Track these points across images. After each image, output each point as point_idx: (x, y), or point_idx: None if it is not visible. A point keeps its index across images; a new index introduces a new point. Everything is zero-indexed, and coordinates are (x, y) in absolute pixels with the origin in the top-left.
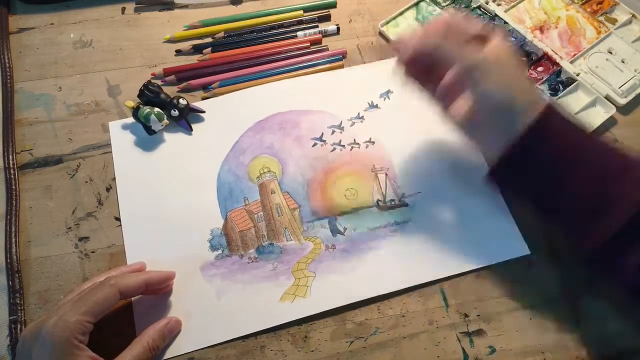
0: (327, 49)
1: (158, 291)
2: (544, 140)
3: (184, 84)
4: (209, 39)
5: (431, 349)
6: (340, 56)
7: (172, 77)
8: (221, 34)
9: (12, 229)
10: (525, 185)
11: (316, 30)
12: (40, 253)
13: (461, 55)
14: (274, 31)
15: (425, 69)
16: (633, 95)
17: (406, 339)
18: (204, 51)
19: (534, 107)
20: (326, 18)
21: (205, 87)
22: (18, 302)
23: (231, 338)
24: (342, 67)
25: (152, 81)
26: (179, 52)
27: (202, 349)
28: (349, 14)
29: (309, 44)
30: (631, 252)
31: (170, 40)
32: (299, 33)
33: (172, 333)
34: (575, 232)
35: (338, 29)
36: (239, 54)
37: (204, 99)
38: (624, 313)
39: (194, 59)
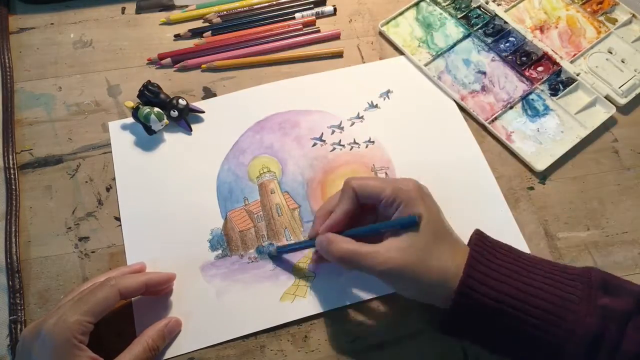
0: (319, 31)
1: (158, 292)
2: (470, 309)
3: (180, 64)
4: (207, 24)
5: (431, 349)
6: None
7: (169, 60)
8: (218, 19)
9: (12, 229)
10: (477, 339)
11: (312, 12)
12: (40, 253)
13: (368, 266)
14: (271, 13)
15: None
16: (633, 95)
17: (406, 339)
18: (204, 35)
19: (454, 281)
20: (322, 3)
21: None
22: (18, 302)
23: (231, 338)
24: (340, 53)
25: (152, 81)
26: (177, 37)
27: (202, 349)
28: (349, 14)
29: (301, 26)
30: None
31: (167, 23)
32: (297, 14)
33: (172, 333)
34: None
35: (335, 9)
36: (234, 37)
37: (203, 71)
38: None
39: (192, 44)
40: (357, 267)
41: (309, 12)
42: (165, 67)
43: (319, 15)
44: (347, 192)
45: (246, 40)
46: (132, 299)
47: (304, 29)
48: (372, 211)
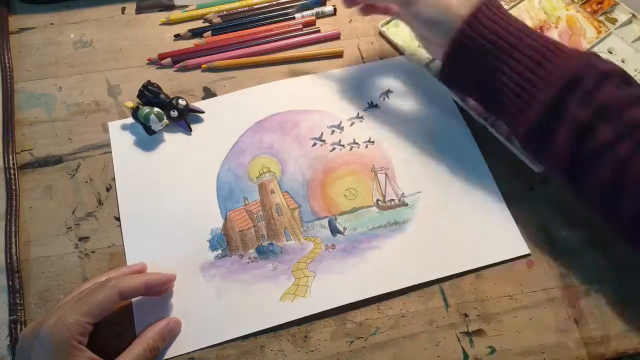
0: (319, 31)
1: (158, 293)
2: (478, 34)
3: (180, 64)
4: (207, 24)
5: (431, 349)
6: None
7: (169, 60)
8: (218, 19)
9: (12, 229)
10: (470, 83)
11: (312, 12)
12: (40, 253)
13: None
14: (271, 13)
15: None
16: None
17: (406, 339)
18: (204, 35)
19: (468, 8)
20: (322, 3)
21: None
22: (18, 302)
23: (231, 338)
24: (340, 53)
25: (152, 82)
26: (177, 37)
27: (202, 349)
28: (349, 14)
29: (301, 26)
30: (561, 127)
31: (167, 23)
32: (297, 14)
33: (172, 333)
34: (510, 118)
35: (335, 9)
36: (234, 37)
37: (203, 71)
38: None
39: (192, 44)
40: None
41: (309, 12)
42: (165, 67)
43: (319, 15)
44: None
45: (246, 40)
46: (132, 299)
47: (304, 29)
48: None
